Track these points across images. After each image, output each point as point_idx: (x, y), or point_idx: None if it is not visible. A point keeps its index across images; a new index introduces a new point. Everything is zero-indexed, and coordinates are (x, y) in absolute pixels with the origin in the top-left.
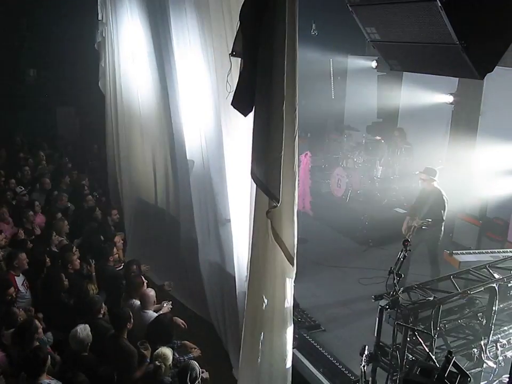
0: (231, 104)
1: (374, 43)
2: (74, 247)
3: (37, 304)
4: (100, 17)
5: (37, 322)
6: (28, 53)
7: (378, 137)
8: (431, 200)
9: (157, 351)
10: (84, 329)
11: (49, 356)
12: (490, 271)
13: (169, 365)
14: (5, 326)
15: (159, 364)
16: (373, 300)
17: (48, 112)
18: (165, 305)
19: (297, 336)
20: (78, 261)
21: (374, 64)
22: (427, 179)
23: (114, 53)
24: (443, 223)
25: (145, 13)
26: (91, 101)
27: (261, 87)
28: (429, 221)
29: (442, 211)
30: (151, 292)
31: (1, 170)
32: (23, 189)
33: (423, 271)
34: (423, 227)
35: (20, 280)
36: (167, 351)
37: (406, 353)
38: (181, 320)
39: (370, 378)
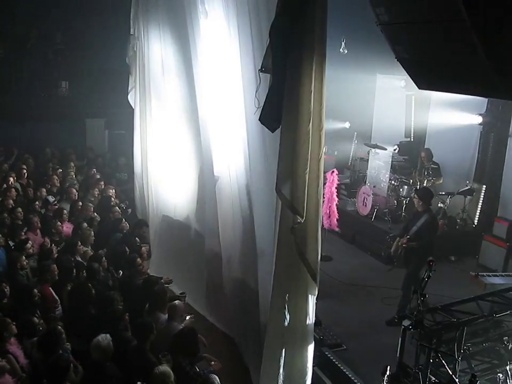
0: (259, 119)
1: (402, 61)
2: (104, 258)
3: (63, 313)
4: (132, 32)
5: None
6: (60, 65)
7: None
8: (421, 222)
9: (156, 372)
10: (105, 339)
11: (71, 365)
12: None
13: (173, 379)
14: (26, 335)
15: None
16: (396, 320)
17: (78, 124)
18: (187, 318)
19: (318, 353)
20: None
21: (403, 83)
22: (419, 200)
23: (144, 67)
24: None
25: (176, 29)
26: (120, 114)
27: (288, 103)
28: (408, 238)
29: (430, 236)
30: (180, 305)
31: (30, 180)
32: (54, 198)
33: (444, 292)
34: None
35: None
36: (166, 369)
37: (428, 375)
38: (202, 338)
39: None
